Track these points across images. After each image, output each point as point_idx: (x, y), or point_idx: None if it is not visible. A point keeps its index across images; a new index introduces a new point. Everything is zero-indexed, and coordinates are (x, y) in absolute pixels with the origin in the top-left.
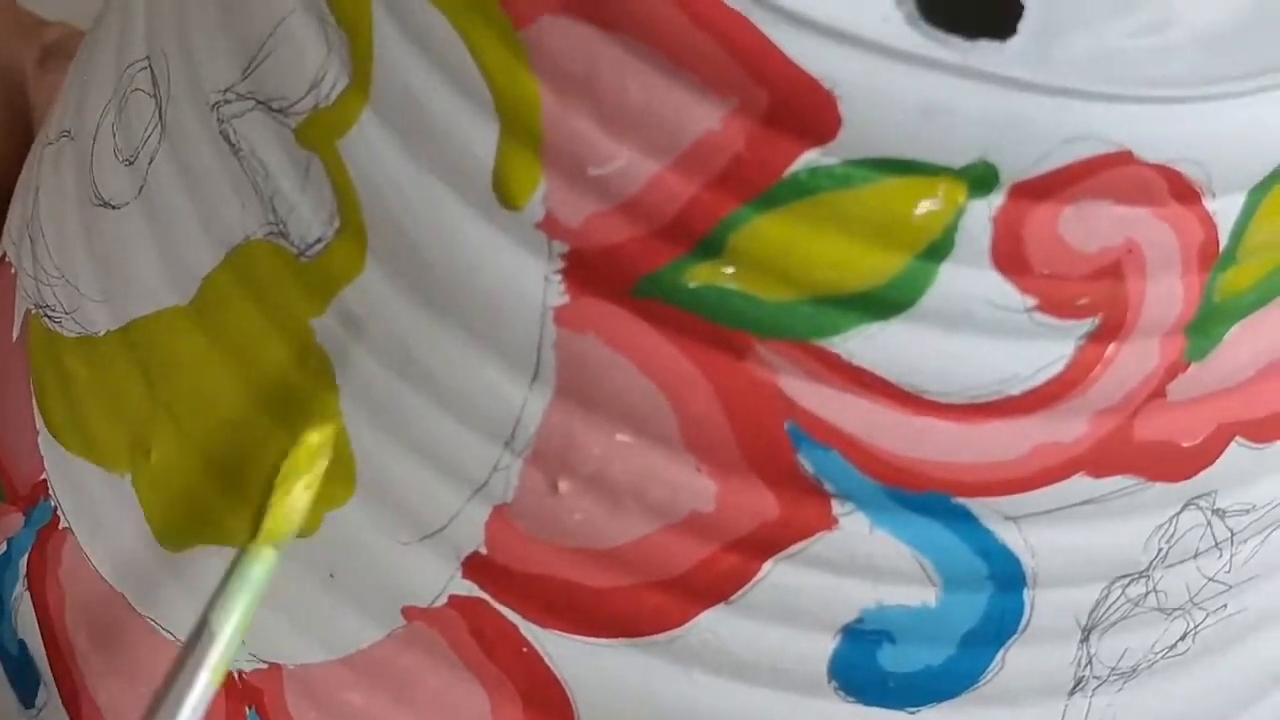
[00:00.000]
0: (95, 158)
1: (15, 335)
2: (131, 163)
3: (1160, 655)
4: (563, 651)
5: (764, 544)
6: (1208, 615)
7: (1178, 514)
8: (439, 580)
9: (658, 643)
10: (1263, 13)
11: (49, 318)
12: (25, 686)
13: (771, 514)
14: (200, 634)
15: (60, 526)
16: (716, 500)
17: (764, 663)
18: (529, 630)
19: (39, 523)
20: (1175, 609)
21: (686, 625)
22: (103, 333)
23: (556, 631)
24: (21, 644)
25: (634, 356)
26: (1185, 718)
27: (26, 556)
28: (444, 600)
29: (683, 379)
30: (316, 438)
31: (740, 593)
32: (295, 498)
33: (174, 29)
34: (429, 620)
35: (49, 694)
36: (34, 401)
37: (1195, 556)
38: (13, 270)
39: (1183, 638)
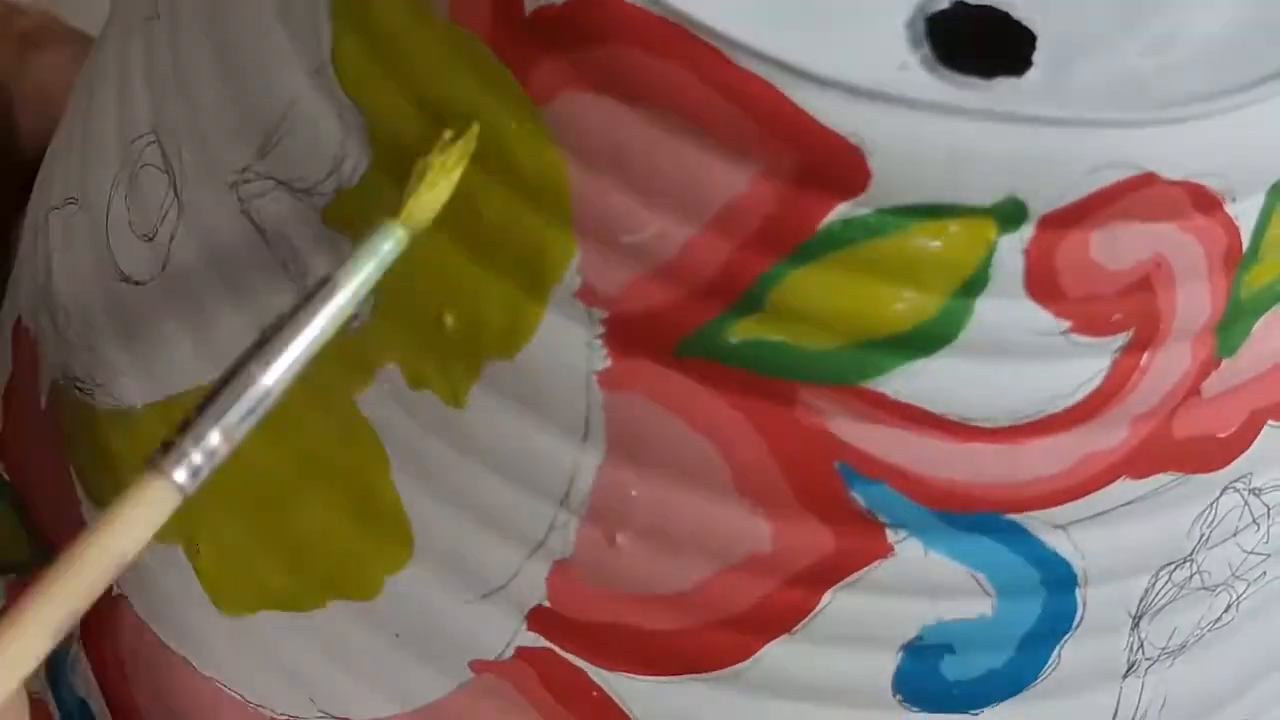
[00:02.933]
0: (111, 232)
1: (43, 403)
2: (150, 239)
3: (1207, 629)
4: (634, 693)
5: (822, 576)
6: (1249, 585)
7: (1217, 499)
8: (505, 634)
9: (724, 677)
10: (1264, 19)
11: (79, 388)
12: None
13: (828, 548)
14: (322, 285)
15: (114, 593)
16: (773, 540)
17: (831, 685)
18: (598, 675)
19: None
20: (1219, 585)
21: (752, 658)
22: (139, 406)
23: (625, 674)
24: (83, 703)
25: (682, 413)
26: (1231, 681)
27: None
28: (511, 653)
29: (731, 431)
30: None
31: (803, 623)
32: (438, 188)
33: (180, 105)
34: (498, 672)
35: None
36: (72, 472)
37: (1235, 535)
38: (31, 336)
39: (1226, 609)
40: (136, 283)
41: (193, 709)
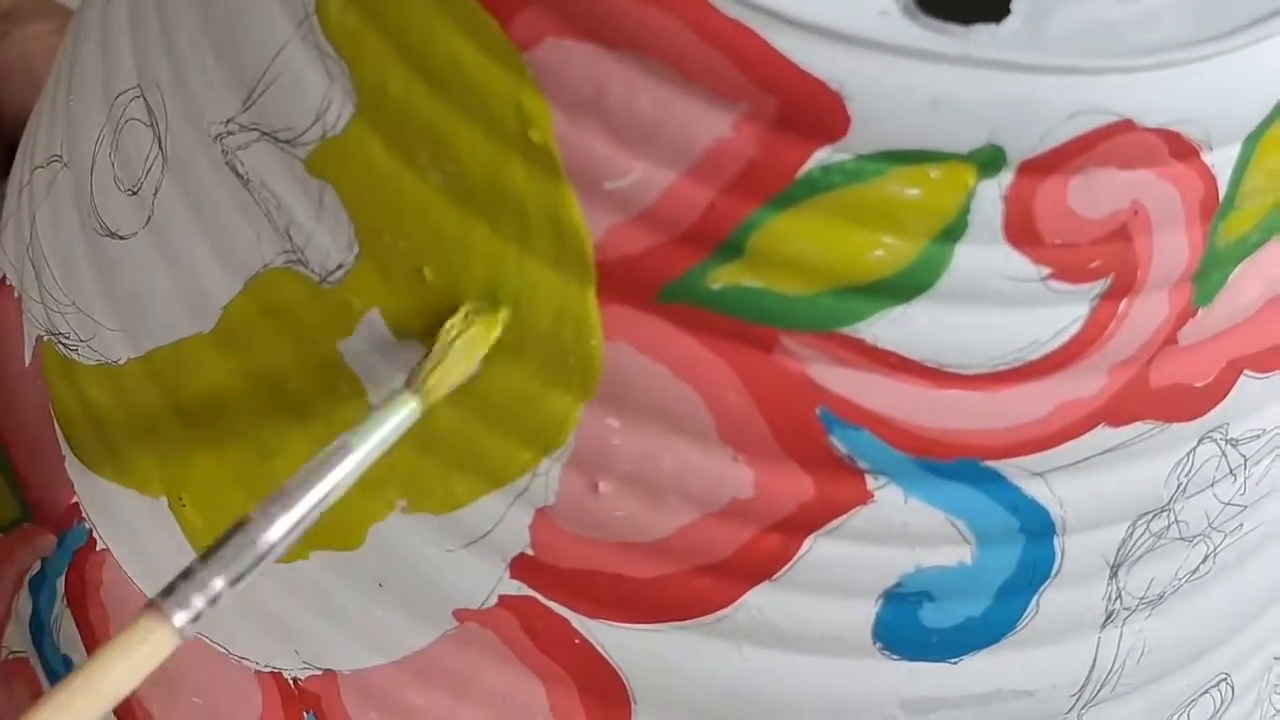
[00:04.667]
0: (95, 187)
1: (28, 360)
2: (135, 193)
3: (1184, 579)
4: (614, 640)
5: (804, 522)
6: (1225, 536)
7: (1194, 449)
8: (487, 582)
9: (705, 624)
10: None
11: (63, 345)
12: None
13: (809, 494)
14: (338, 450)
15: (98, 548)
16: (755, 486)
17: (811, 633)
18: (580, 623)
19: (75, 544)
20: (1196, 535)
21: (733, 605)
22: (123, 361)
23: (607, 621)
24: (66, 660)
25: (665, 359)
26: (1209, 632)
27: (63, 577)
28: (494, 601)
29: (714, 377)
30: (480, 316)
31: (784, 570)
32: (461, 366)
33: (164, 59)
34: (481, 620)
35: None
36: (56, 427)
37: (1212, 485)
38: (16, 294)
39: (1203, 560)
40: (120, 237)
41: (176, 665)
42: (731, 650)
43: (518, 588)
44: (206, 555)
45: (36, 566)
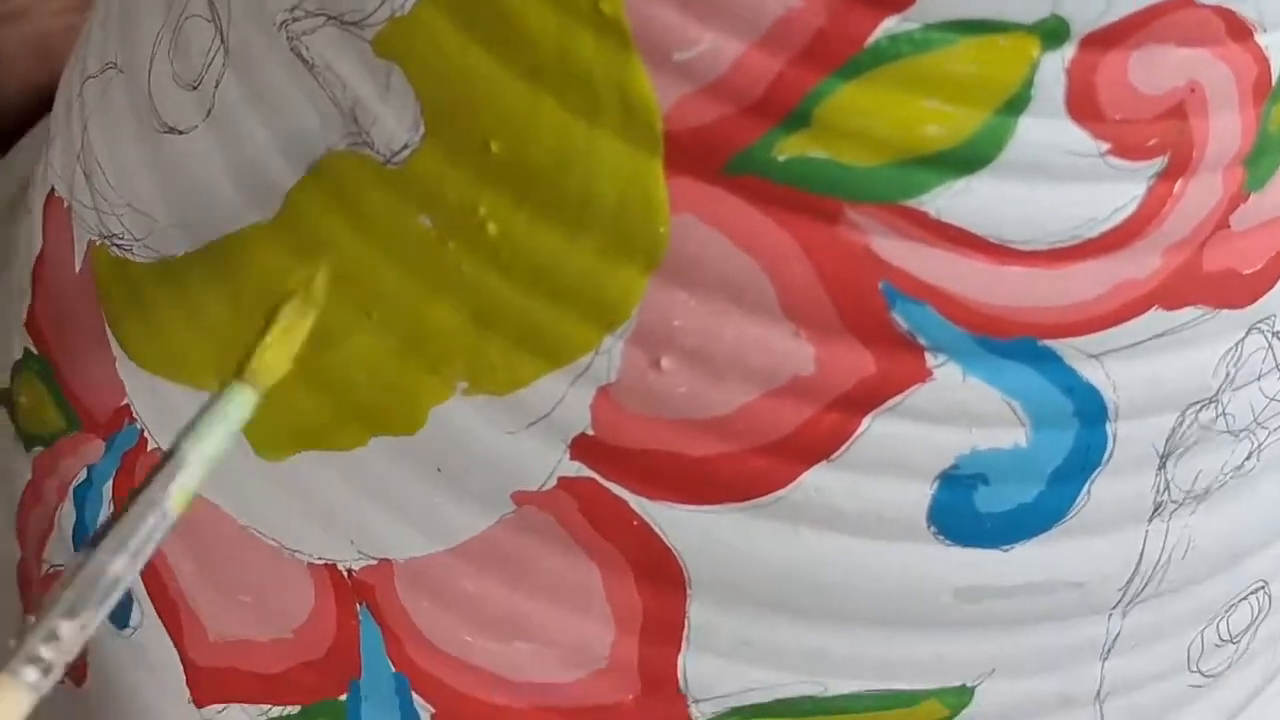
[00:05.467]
0: (154, 86)
1: (79, 267)
2: (195, 88)
3: (1229, 475)
4: (672, 521)
5: (863, 400)
6: (1270, 434)
7: (1242, 339)
8: (547, 464)
9: (763, 505)
10: None
11: (117, 246)
12: (118, 608)
13: (869, 370)
14: (169, 458)
15: (149, 449)
16: (816, 362)
17: (867, 514)
18: (638, 504)
19: (124, 447)
20: (1242, 430)
21: (791, 485)
22: (179, 254)
23: (665, 503)
24: None
25: (729, 231)
26: (1249, 535)
27: (110, 482)
28: (553, 483)
29: (778, 249)
30: (306, 286)
31: (842, 449)
32: (289, 339)
33: None
34: (539, 503)
35: (143, 613)
36: (108, 330)
37: (1259, 378)
38: (65, 204)
39: (1248, 457)
40: (180, 132)
41: (228, 560)
42: (788, 531)
43: (577, 469)
44: (50, 600)
45: (83, 475)
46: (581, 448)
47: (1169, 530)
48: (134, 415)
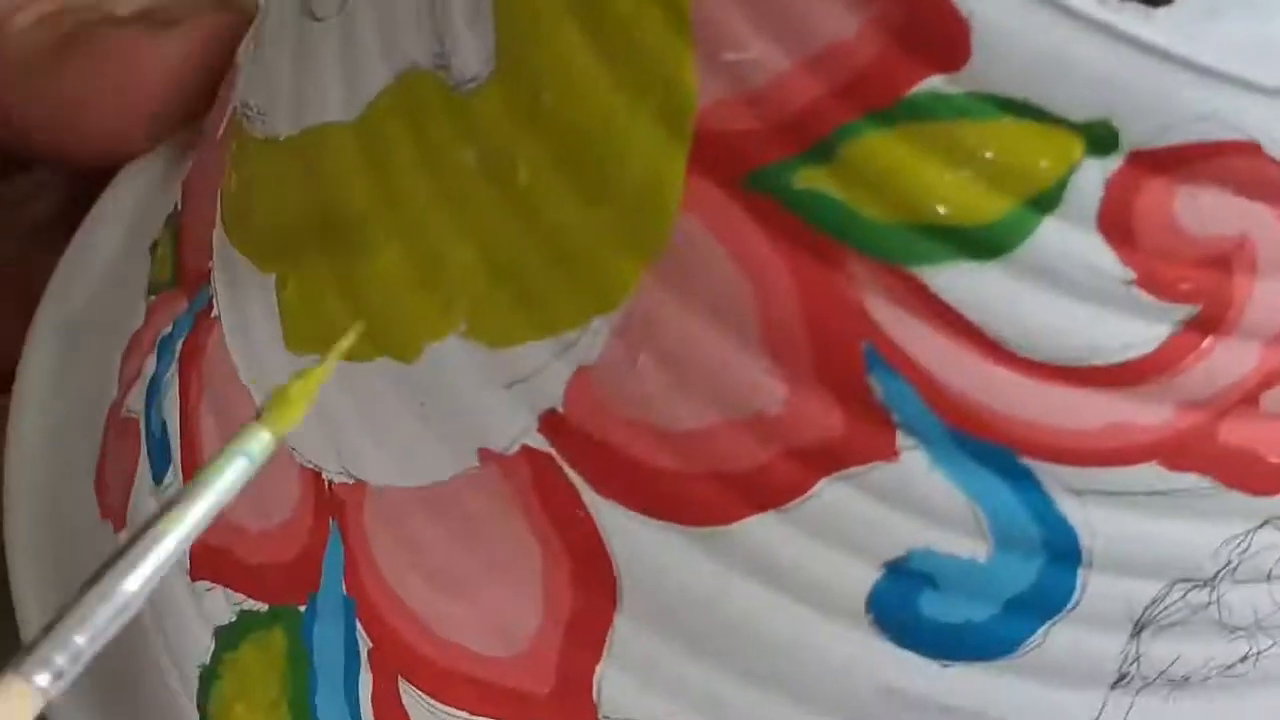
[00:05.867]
0: None
1: (220, 132)
2: None
3: (1215, 671)
4: (616, 524)
5: (823, 459)
6: (1275, 644)
7: (1254, 530)
8: (516, 428)
9: (704, 535)
10: None
11: (246, 117)
12: (159, 465)
13: (835, 430)
14: (191, 487)
15: (213, 314)
16: (784, 404)
17: (804, 579)
18: (588, 496)
19: (198, 307)
20: (1238, 628)
21: (734, 524)
22: (282, 137)
23: (614, 502)
24: (163, 424)
25: (730, 244)
26: None
27: (183, 340)
28: (516, 449)
29: (771, 275)
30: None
31: (792, 504)
32: (305, 397)
33: None
34: (500, 465)
35: (175, 477)
36: (219, 196)
37: (1268, 579)
38: (232, 72)
39: (1243, 659)
40: (318, 19)
41: None
42: (721, 572)
43: (540, 442)
44: (68, 607)
45: (169, 328)
46: (549, 423)
47: (1134, 706)
48: (210, 279)
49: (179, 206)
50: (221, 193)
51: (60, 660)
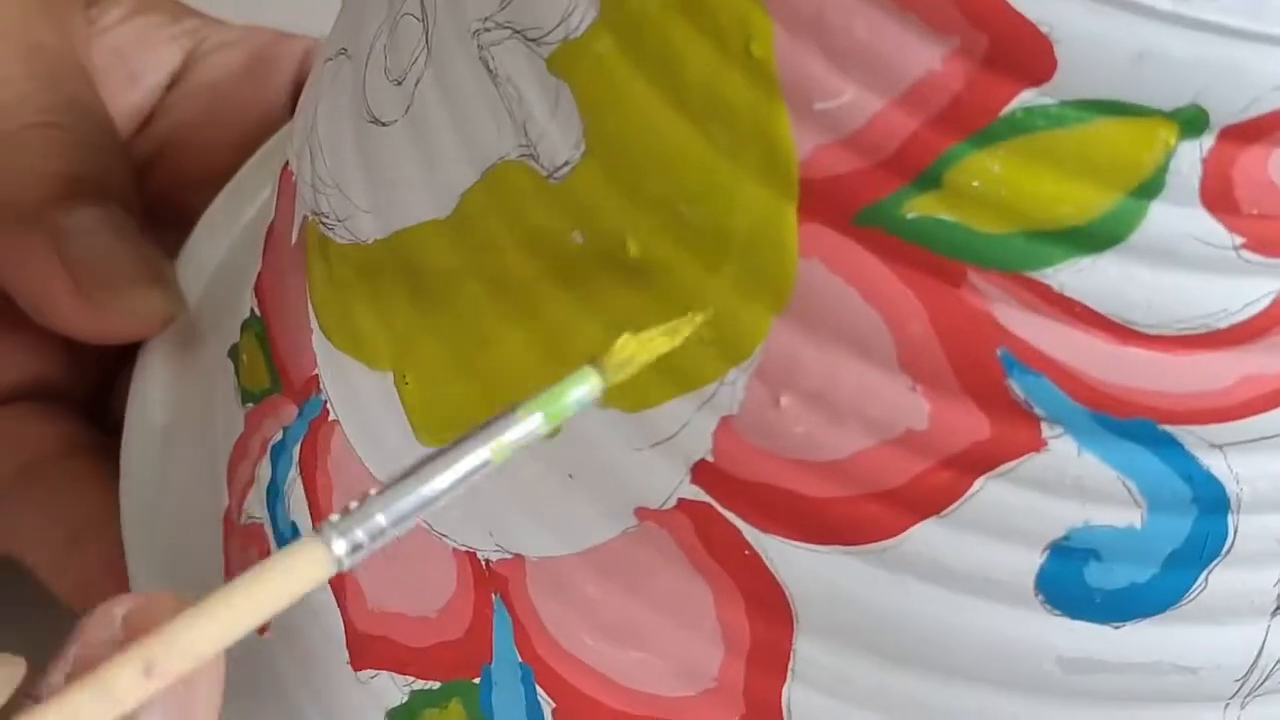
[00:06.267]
0: (368, 77)
1: (294, 239)
2: (400, 83)
3: None
4: (783, 556)
5: (976, 462)
6: None
7: None
8: (669, 484)
9: (872, 551)
10: None
11: (323, 224)
12: None
13: (983, 434)
14: (514, 408)
15: (330, 419)
16: (930, 419)
17: (974, 574)
18: (752, 535)
19: (311, 414)
20: None
21: (900, 536)
22: (370, 241)
23: (777, 537)
24: (294, 526)
25: (855, 282)
26: None
27: (300, 445)
28: (673, 503)
29: (900, 305)
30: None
31: (952, 507)
32: (642, 350)
33: None
34: (659, 521)
35: None
36: (309, 302)
37: None
38: (293, 179)
39: None
40: (383, 124)
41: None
42: (895, 581)
43: (696, 493)
44: (379, 491)
45: (279, 435)
46: (702, 473)
47: None
48: (320, 386)
49: (256, 312)
50: (311, 298)
51: (360, 534)
